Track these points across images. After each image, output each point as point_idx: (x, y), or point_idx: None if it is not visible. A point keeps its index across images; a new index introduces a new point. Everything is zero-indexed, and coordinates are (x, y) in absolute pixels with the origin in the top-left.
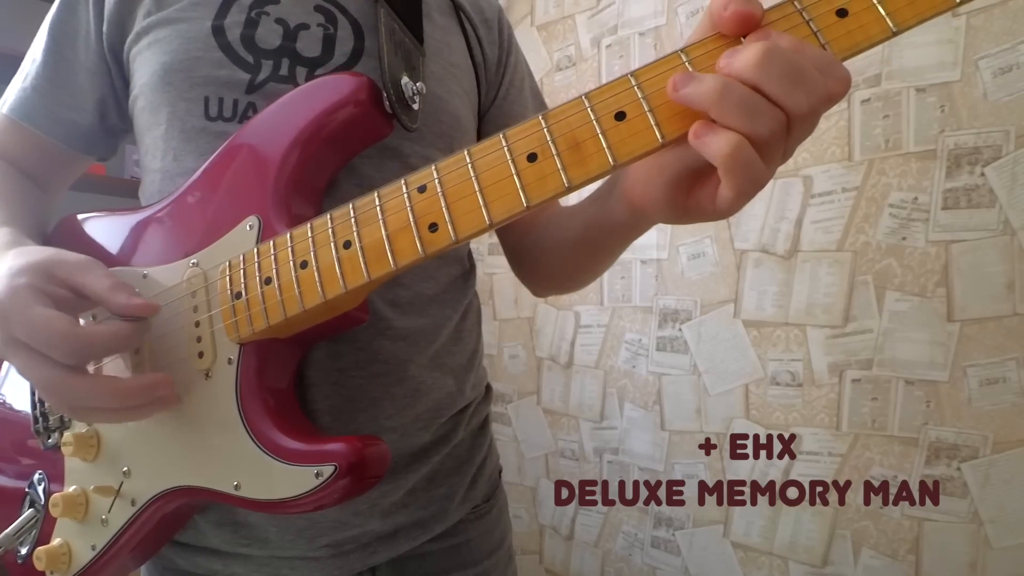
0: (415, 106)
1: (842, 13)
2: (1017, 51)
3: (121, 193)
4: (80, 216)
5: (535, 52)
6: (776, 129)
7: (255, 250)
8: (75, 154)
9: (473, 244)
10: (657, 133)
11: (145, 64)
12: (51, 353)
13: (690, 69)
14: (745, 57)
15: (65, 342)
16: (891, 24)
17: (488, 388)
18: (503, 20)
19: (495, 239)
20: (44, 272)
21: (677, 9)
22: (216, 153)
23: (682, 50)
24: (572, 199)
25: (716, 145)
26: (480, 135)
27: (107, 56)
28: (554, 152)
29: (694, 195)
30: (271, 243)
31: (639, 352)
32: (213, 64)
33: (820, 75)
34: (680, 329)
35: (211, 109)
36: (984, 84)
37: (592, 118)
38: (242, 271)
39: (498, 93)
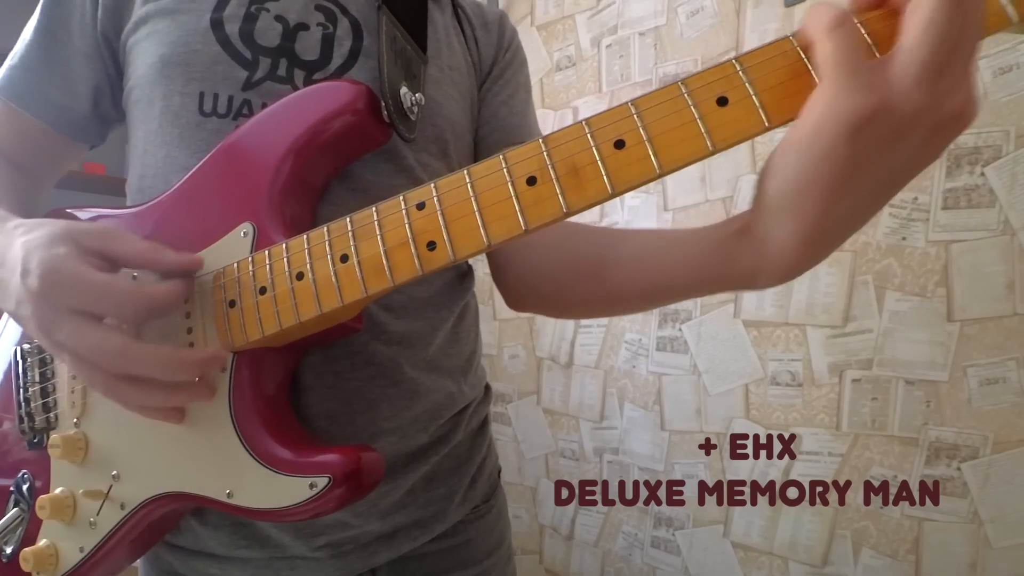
0: (413, 117)
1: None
2: (1017, 51)
3: (122, 193)
4: (68, 211)
5: (535, 52)
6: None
7: (250, 258)
8: (64, 139)
9: None
10: (655, 163)
11: (142, 55)
12: (117, 313)
13: (689, 102)
14: None
15: (134, 300)
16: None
17: (487, 388)
18: (505, 26)
19: None
20: (74, 242)
21: (677, 9)
22: (210, 154)
23: (682, 81)
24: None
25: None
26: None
27: (101, 42)
28: (553, 176)
29: None
30: (266, 252)
31: (639, 352)
32: (211, 59)
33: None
34: (680, 329)
35: (206, 104)
36: (984, 84)
37: (592, 144)
38: (236, 279)
39: (486, 85)
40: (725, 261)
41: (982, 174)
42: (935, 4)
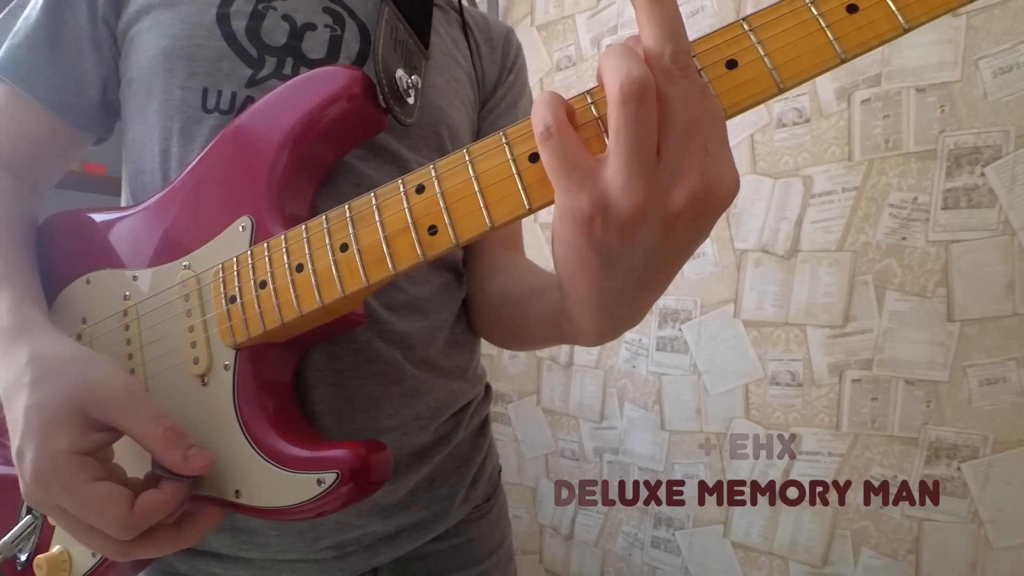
0: (410, 100)
1: (852, 9)
2: (1017, 51)
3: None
4: (67, 214)
5: (535, 52)
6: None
7: (248, 252)
8: (69, 131)
9: None
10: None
11: (144, 46)
12: (106, 531)
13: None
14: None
15: (123, 522)
16: (902, 20)
17: (488, 388)
18: (510, 42)
19: None
20: (80, 416)
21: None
22: (206, 149)
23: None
24: None
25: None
26: None
27: (104, 29)
28: None
29: None
30: (265, 245)
31: (639, 352)
32: (215, 54)
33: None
34: (680, 329)
35: (209, 101)
36: (984, 84)
37: (595, 115)
38: (236, 274)
39: (488, 106)
40: (557, 331)
41: (982, 174)
42: (613, 111)
